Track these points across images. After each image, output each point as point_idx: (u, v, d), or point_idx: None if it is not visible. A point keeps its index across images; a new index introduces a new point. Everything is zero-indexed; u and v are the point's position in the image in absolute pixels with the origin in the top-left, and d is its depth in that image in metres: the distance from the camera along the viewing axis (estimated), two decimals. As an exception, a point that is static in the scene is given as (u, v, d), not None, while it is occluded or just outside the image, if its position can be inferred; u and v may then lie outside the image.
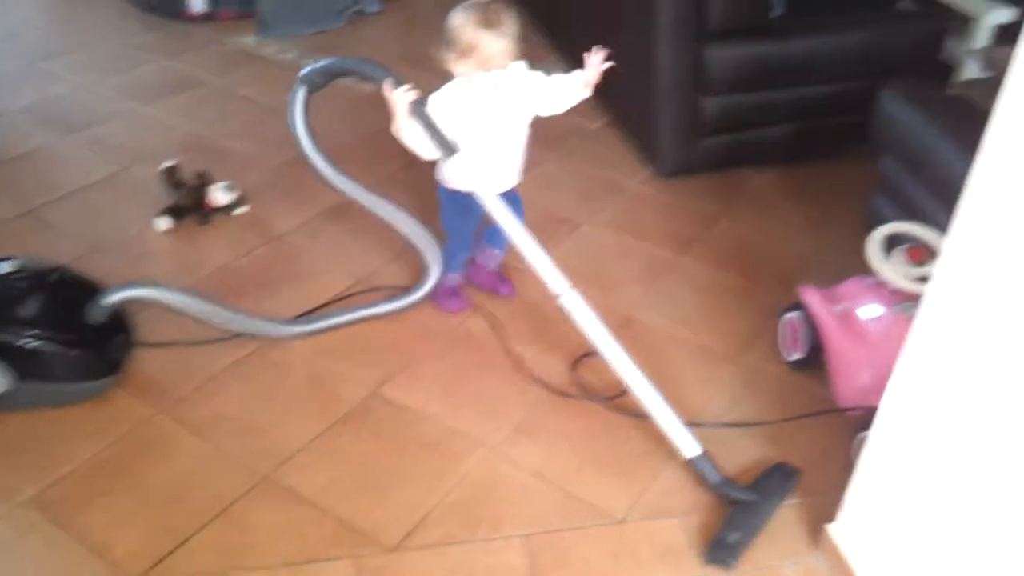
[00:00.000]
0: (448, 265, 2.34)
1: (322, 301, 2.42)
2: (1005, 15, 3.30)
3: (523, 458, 1.99)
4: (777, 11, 3.37)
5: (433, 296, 2.39)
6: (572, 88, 2.08)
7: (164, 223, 2.67)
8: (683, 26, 2.72)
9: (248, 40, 3.97)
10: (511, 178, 2.22)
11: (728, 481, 1.90)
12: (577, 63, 2.10)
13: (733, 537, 1.80)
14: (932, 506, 1.49)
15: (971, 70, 3.29)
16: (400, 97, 1.92)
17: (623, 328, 2.38)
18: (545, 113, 2.15)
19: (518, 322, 2.39)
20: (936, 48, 3.02)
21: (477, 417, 2.09)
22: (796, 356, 2.25)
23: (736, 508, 1.87)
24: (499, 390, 2.17)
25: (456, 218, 2.27)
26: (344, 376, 2.18)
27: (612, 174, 3.07)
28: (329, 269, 2.55)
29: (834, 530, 1.75)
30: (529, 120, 2.14)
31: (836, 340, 2.09)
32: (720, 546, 1.79)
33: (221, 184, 2.71)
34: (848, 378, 2.06)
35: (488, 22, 1.91)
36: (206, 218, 2.71)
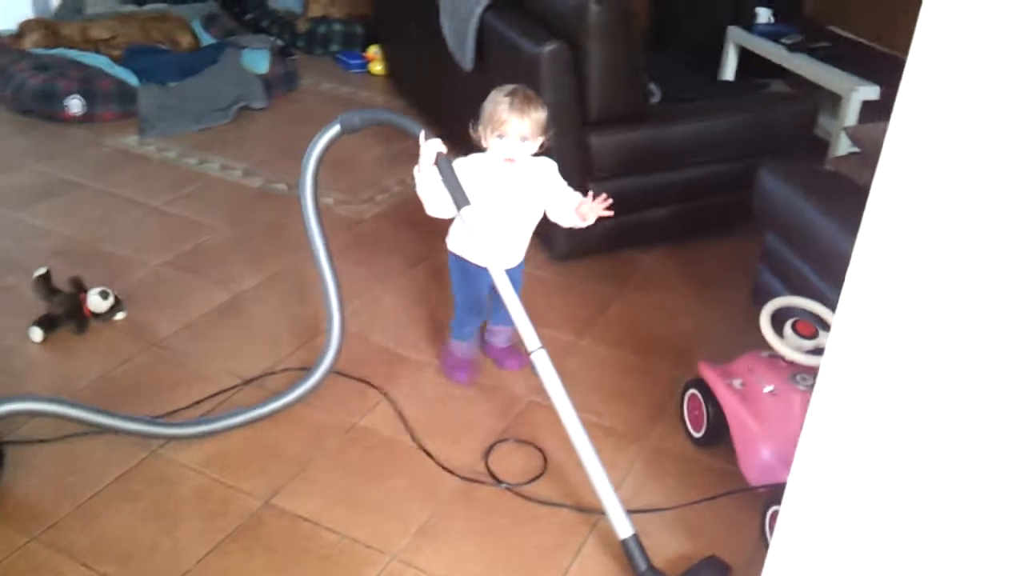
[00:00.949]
0: (455, 332, 2.41)
1: (208, 405, 2.29)
2: (871, 92, 3.51)
3: (428, 564, 1.89)
4: (656, 98, 3.51)
5: (441, 365, 2.48)
6: (572, 206, 2.16)
7: (38, 334, 2.51)
8: (566, 115, 2.77)
9: (129, 140, 3.86)
10: (515, 255, 2.29)
11: (656, 570, 1.83)
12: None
13: None
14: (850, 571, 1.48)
15: (843, 145, 3.47)
16: (430, 145, 2.02)
17: (527, 413, 2.35)
18: (551, 215, 2.23)
19: (422, 414, 2.32)
20: (810, 126, 3.18)
21: (379, 522, 1.99)
22: (701, 433, 2.24)
23: None
24: (402, 490, 2.08)
25: (463, 286, 2.33)
26: (233, 487, 2.06)
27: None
28: (214, 372, 2.43)
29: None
30: (538, 208, 2.23)
31: (736, 415, 2.10)
32: None
33: (96, 290, 2.57)
34: (751, 454, 2.06)
35: (512, 100, 2.06)
36: (83, 326, 2.56)
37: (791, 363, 2.10)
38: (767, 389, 2.08)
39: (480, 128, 2.12)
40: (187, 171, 3.61)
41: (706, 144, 2.99)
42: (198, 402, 2.31)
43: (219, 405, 2.31)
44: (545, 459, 2.20)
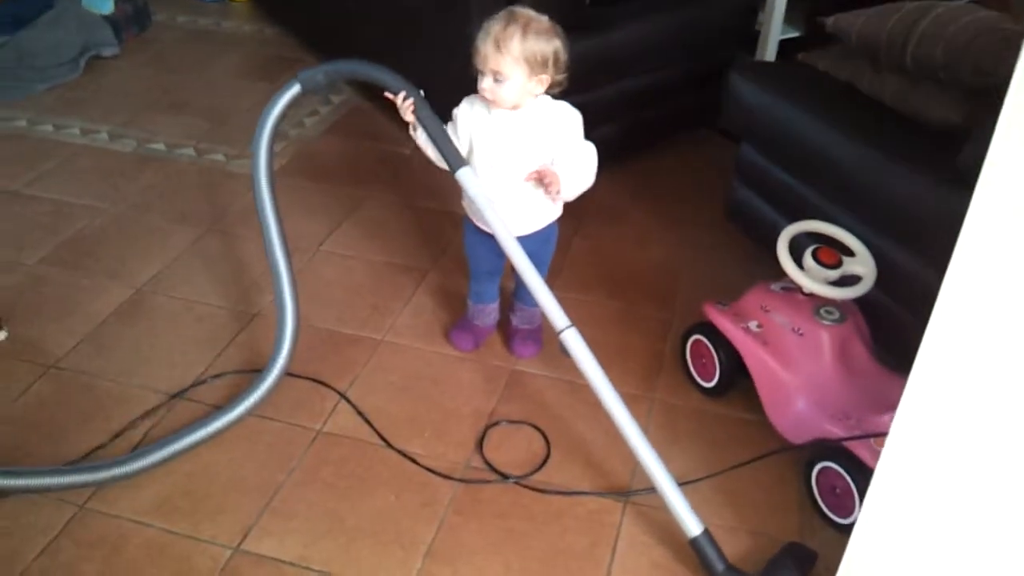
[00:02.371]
0: (470, 293, 2.14)
1: (135, 434, 1.89)
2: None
3: (449, 594, 1.61)
4: None
5: (449, 329, 2.20)
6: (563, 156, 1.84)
7: None
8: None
9: (-38, 110, 3.24)
10: (528, 220, 1.92)
11: (734, 569, 1.58)
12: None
13: None
14: (951, 553, 1.28)
15: (773, 40, 3.21)
16: (405, 105, 1.77)
17: (513, 387, 2.06)
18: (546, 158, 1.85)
19: (393, 407, 1.99)
20: (752, 19, 2.91)
21: (377, 551, 1.67)
22: (712, 383, 2.01)
23: None
24: (393, 506, 1.76)
25: (473, 246, 2.03)
26: (192, 537, 1.68)
27: (445, 205, 2.70)
28: (132, 391, 2.00)
29: (834, 595, 1.51)
30: (539, 162, 1.83)
31: (761, 364, 1.86)
32: None
33: (-36, 310, 2.09)
34: (783, 407, 1.83)
35: (490, 28, 1.73)
36: (-48, 356, 2.08)
37: (811, 296, 1.87)
38: (791, 329, 1.85)
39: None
40: (43, 141, 3.04)
41: (650, 48, 2.69)
42: (119, 433, 1.89)
43: (150, 432, 1.91)
44: (546, 439, 1.92)
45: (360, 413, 1.96)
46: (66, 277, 2.37)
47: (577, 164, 1.84)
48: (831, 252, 1.84)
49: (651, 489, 1.67)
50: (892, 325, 1.92)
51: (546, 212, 1.95)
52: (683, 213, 2.70)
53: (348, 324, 2.24)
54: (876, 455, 1.64)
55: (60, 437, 1.88)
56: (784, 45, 3.30)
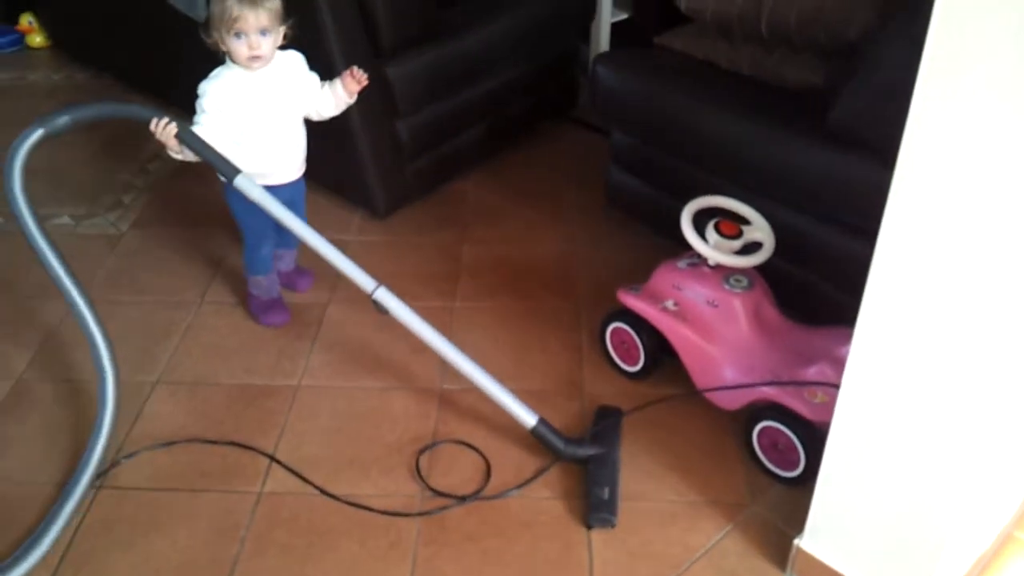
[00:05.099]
0: (253, 267, 2.24)
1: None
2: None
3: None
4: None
5: (252, 313, 2.30)
6: (334, 91, 2.07)
7: None
8: (356, 52, 2.33)
9: None
10: (298, 166, 2.16)
11: (572, 442, 1.85)
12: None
13: (604, 493, 1.75)
14: (910, 488, 1.39)
15: (604, 24, 3.31)
16: (165, 131, 1.85)
17: (446, 404, 2.04)
18: (316, 116, 2.12)
19: (323, 451, 1.92)
20: (591, 8, 2.98)
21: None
22: (637, 367, 2.06)
23: (591, 466, 1.82)
24: (360, 555, 1.70)
25: (246, 212, 2.09)
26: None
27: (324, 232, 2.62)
28: (39, 489, 1.84)
29: (807, 546, 1.60)
30: (302, 113, 2.10)
31: (685, 341, 1.93)
32: (599, 507, 1.73)
33: None
34: (713, 378, 1.90)
35: None
36: None
37: (717, 267, 1.96)
38: (706, 302, 1.92)
39: (214, 33, 1.92)
40: None
41: (505, 44, 2.71)
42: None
43: (80, 526, 1.75)
44: (479, 451, 1.91)
45: (296, 473, 1.87)
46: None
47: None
48: (730, 224, 1.93)
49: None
50: (790, 283, 2.04)
51: (304, 155, 2.16)
52: (562, 203, 2.75)
53: (257, 374, 2.14)
54: (810, 406, 1.75)
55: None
56: (615, 28, 3.42)
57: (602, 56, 2.35)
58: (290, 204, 1.95)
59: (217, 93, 1.95)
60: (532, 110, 2.95)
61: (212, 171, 1.95)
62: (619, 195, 2.51)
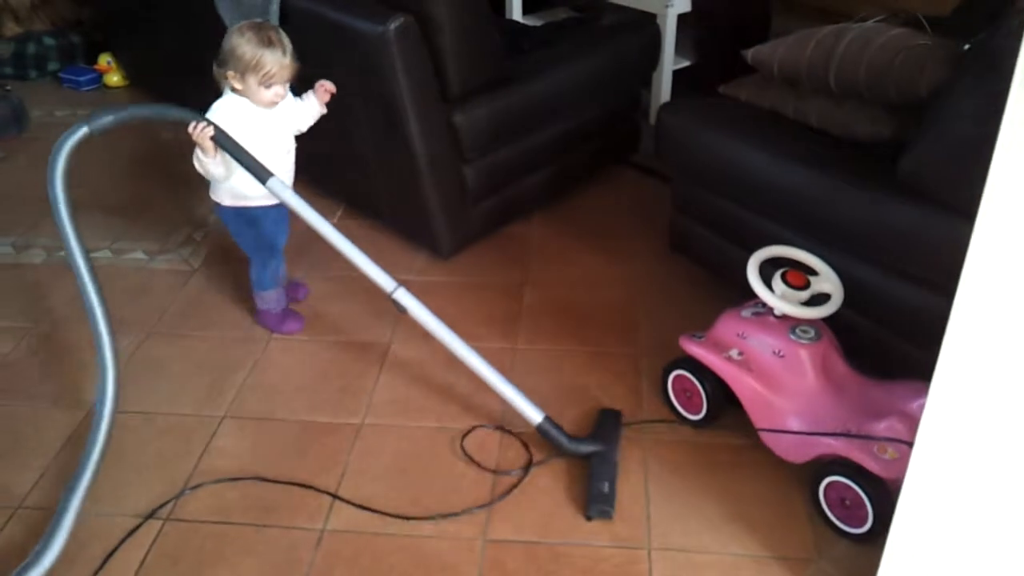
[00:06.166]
0: (262, 283, 2.36)
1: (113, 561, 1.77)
2: (684, 4, 3.38)
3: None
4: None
5: (267, 327, 2.42)
6: (313, 107, 2.22)
7: None
8: (426, 98, 2.39)
9: None
10: (291, 180, 2.29)
11: (575, 439, 1.96)
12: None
13: (604, 487, 1.86)
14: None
15: (667, 72, 3.34)
16: (203, 133, 1.98)
17: (508, 445, 2.04)
18: (296, 131, 2.25)
19: (392, 498, 1.94)
20: (657, 53, 3.01)
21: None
22: (699, 415, 2.05)
23: (593, 461, 1.92)
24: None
25: (249, 234, 2.29)
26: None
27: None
28: (107, 520, 1.88)
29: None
30: (295, 127, 2.25)
31: (750, 391, 1.91)
32: (598, 499, 1.83)
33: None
34: (776, 427, 1.88)
35: (269, 41, 2.02)
36: None
37: (782, 318, 1.94)
38: (772, 352, 1.91)
39: (231, 71, 2.04)
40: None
41: (573, 92, 2.75)
42: (101, 567, 1.77)
43: (146, 559, 1.79)
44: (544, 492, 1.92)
45: (362, 506, 1.90)
46: (2, 409, 2.21)
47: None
48: (798, 274, 1.92)
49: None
50: (859, 336, 2.02)
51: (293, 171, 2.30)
52: (624, 247, 2.76)
53: (321, 412, 2.17)
54: (880, 461, 1.72)
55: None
56: (676, 75, 3.44)
57: (668, 105, 2.36)
58: (284, 218, 2.25)
59: (224, 120, 2.04)
60: (595, 155, 2.98)
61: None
62: (682, 241, 2.51)
